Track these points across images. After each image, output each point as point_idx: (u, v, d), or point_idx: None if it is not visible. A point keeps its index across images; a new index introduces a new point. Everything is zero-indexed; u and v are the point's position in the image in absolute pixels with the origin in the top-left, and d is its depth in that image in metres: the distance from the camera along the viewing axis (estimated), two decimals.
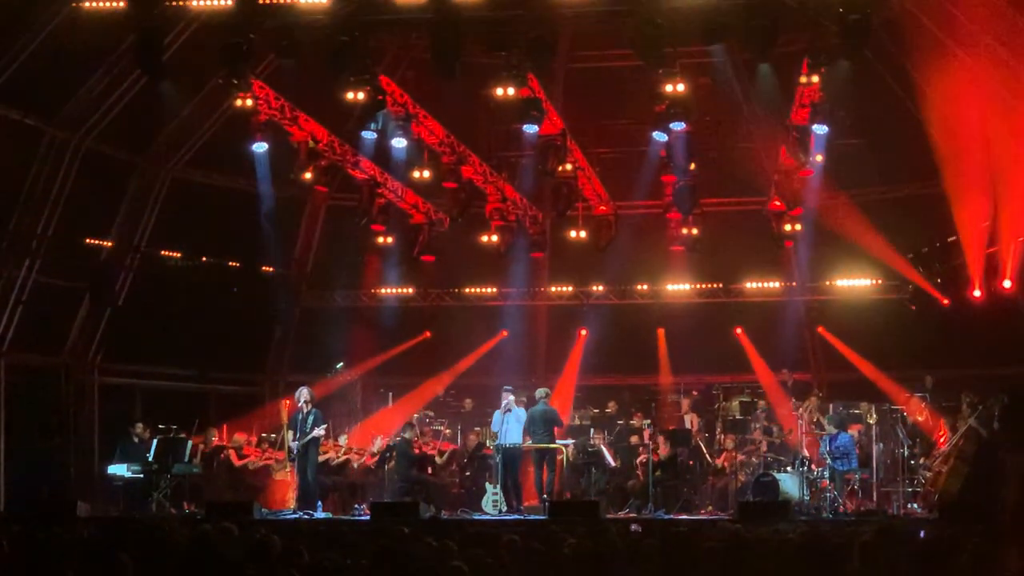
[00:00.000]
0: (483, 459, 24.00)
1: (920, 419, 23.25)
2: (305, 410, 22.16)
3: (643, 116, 23.94)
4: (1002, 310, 24.76)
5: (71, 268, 24.84)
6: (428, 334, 29.47)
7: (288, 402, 23.45)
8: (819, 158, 23.26)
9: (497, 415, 22.62)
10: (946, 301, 25.72)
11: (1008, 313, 24.82)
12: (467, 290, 29.65)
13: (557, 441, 22.64)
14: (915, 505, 21.89)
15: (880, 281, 27.53)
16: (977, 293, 24.69)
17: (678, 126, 22.39)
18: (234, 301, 27.04)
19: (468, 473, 24.61)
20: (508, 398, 22.63)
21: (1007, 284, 24.18)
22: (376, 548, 10.68)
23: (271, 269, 28.32)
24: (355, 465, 24.31)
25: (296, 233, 29.32)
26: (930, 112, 23.17)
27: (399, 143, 23.48)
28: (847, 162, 25.22)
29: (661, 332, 28.97)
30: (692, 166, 24.61)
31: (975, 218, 24.04)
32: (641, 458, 23.34)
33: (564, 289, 29.68)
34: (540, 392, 23.42)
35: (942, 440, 21.97)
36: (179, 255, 26.61)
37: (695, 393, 26.65)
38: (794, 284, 28.64)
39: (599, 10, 20.56)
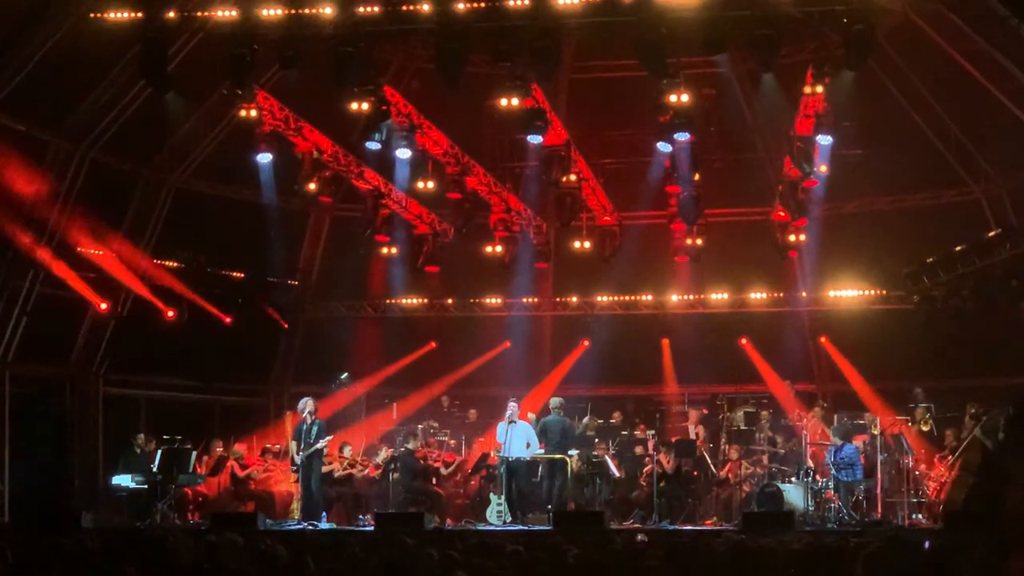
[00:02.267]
0: (488, 470, 23.98)
1: (925, 429, 23.29)
2: (309, 421, 22.15)
3: (647, 126, 23.95)
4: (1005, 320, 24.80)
5: (76, 279, 24.87)
6: (434, 345, 29.46)
7: (292, 413, 23.53)
8: (823, 168, 23.29)
9: (501, 426, 22.60)
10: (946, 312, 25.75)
11: (1011, 323, 24.84)
12: (471, 301, 29.64)
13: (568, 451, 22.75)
14: (920, 515, 21.88)
15: (885, 292, 27.47)
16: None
17: (682, 136, 22.41)
18: (239, 311, 27.11)
19: (473, 483, 24.60)
20: (513, 408, 22.63)
21: None
22: (380, 559, 10.68)
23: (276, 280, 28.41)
24: (358, 476, 24.29)
25: (300, 244, 29.35)
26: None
27: (403, 154, 23.51)
28: (851, 172, 25.23)
29: (666, 343, 28.94)
30: (696, 176, 24.64)
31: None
32: (646, 469, 23.35)
33: (568, 299, 29.66)
34: (554, 402, 23.46)
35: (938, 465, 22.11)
36: (183, 265, 26.62)
37: (705, 411, 26.50)
38: (798, 295, 28.60)
39: (603, 20, 20.56)
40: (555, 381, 28.35)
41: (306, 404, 22.42)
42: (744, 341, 28.49)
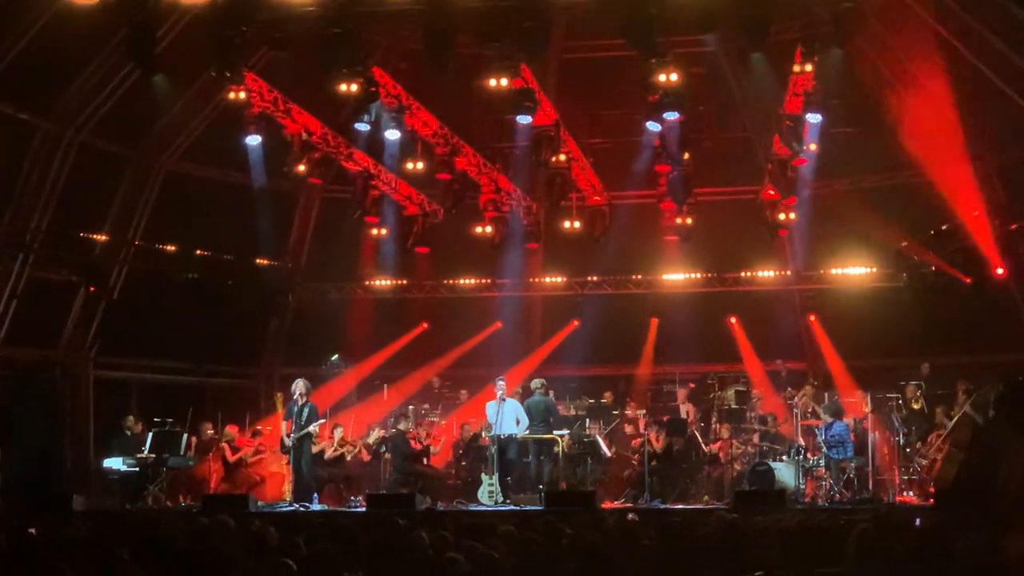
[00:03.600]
0: (479, 450, 23.99)
1: (916, 407, 23.33)
2: (300, 403, 22.15)
3: (636, 106, 23.90)
4: (996, 297, 24.84)
5: (66, 262, 24.85)
6: (425, 326, 29.44)
7: (282, 394, 23.54)
8: (813, 147, 23.28)
9: (491, 405, 22.63)
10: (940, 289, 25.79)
11: (1002, 300, 24.89)
12: (461, 281, 29.64)
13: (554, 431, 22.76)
14: (911, 493, 21.94)
15: (875, 269, 27.51)
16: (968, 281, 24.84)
17: (671, 116, 22.36)
18: (229, 294, 27.06)
19: (464, 464, 24.60)
20: (502, 387, 22.65)
21: (999, 271, 24.30)
22: (372, 540, 10.70)
23: (266, 262, 28.38)
24: (348, 457, 24.28)
25: (290, 226, 29.30)
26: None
27: (392, 135, 23.47)
28: (840, 151, 25.21)
29: (654, 322, 28.92)
30: (686, 156, 24.58)
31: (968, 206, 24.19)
32: (636, 455, 23.38)
33: (558, 280, 29.67)
34: (535, 383, 23.46)
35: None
36: (173, 248, 26.58)
37: (692, 385, 26.58)
38: (788, 273, 28.63)
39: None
40: (538, 359, 28.38)
41: (297, 386, 22.42)
42: (733, 320, 28.53)
